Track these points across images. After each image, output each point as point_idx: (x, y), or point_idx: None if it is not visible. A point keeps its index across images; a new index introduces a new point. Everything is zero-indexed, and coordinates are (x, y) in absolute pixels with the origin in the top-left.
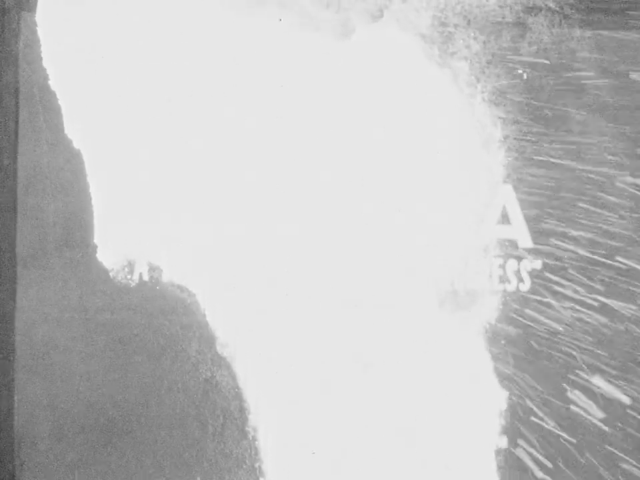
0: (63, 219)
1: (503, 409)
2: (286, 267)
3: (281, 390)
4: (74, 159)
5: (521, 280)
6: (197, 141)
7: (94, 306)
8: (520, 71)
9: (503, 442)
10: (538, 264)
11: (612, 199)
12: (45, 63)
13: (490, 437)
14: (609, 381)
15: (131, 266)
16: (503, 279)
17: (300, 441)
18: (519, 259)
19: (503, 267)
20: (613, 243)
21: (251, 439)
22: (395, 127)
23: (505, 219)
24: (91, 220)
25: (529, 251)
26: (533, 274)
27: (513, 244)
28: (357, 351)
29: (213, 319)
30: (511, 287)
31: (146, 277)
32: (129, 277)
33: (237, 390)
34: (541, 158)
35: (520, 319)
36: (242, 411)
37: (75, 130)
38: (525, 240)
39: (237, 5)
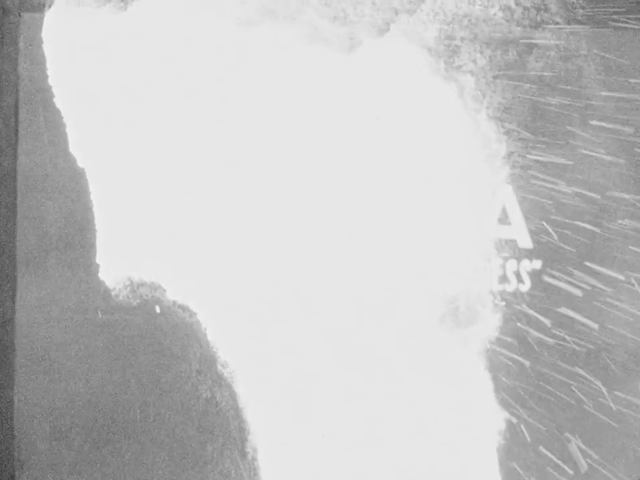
0: (63, 219)
1: (502, 429)
2: (288, 286)
3: (281, 409)
4: (75, 159)
5: (520, 280)
6: (204, 159)
7: (93, 306)
8: (526, 87)
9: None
10: (538, 264)
11: (616, 218)
12: (46, 63)
13: (489, 453)
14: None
15: (132, 284)
16: (503, 279)
17: (300, 460)
18: (519, 259)
19: (503, 267)
20: (615, 254)
21: (250, 459)
22: (400, 140)
23: (504, 219)
24: (91, 220)
25: (529, 251)
26: (533, 274)
27: (513, 244)
28: (359, 368)
29: (214, 338)
30: (510, 287)
31: (147, 296)
32: (130, 296)
33: (236, 410)
34: (545, 174)
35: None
36: (242, 431)
37: (75, 130)
38: (525, 240)
39: (243, 17)
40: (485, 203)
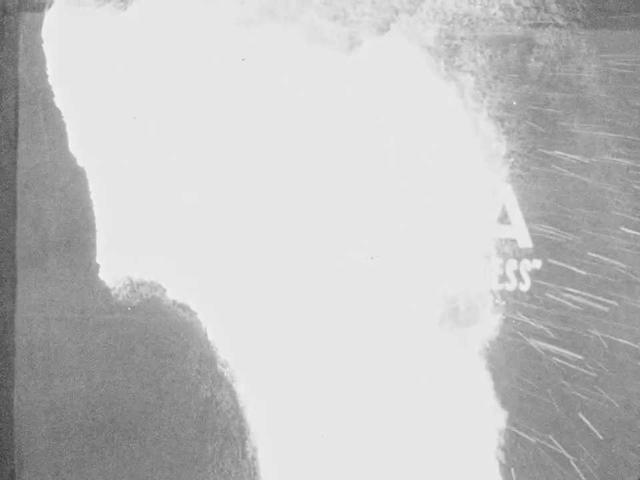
0: (63, 219)
1: (503, 428)
2: (288, 286)
3: (281, 409)
4: (74, 159)
5: (521, 280)
6: (204, 159)
7: (93, 306)
8: (526, 86)
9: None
10: (538, 264)
11: (616, 214)
12: (46, 63)
13: (489, 453)
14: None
15: (132, 284)
16: (503, 279)
17: (300, 460)
18: (519, 258)
19: (503, 266)
20: (616, 262)
21: (250, 459)
22: (400, 140)
23: (504, 218)
24: (91, 220)
25: (529, 250)
26: (533, 274)
27: (513, 243)
28: (359, 368)
29: (214, 338)
30: (510, 287)
31: (147, 296)
32: (130, 295)
33: (236, 410)
34: (546, 174)
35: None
36: (242, 431)
37: (75, 130)
38: (525, 240)
39: (243, 16)
40: (485, 202)
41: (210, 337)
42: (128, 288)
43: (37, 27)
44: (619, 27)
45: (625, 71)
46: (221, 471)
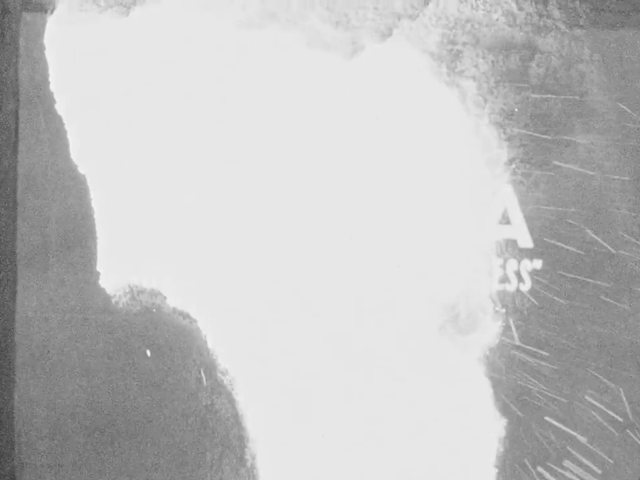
0: (63, 220)
1: (502, 429)
2: (288, 286)
3: (281, 410)
4: (76, 161)
5: (521, 280)
6: (204, 160)
7: (93, 307)
8: (528, 92)
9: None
10: (538, 264)
11: (616, 222)
12: (48, 69)
13: (488, 453)
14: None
15: (132, 292)
16: (503, 279)
17: (300, 461)
18: (520, 259)
19: (503, 267)
20: (610, 263)
21: (249, 466)
22: (402, 143)
23: (505, 219)
24: (92, 222)
25: (530, 250)
26: (533, 274)
27: (514, 244)
28: (359, 368)
29: (214, 345)
30: (511, 287)
31: (147, 303)
32: (130, 303)
33: (236, 417)
34: (546, 179)
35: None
36: (241, 438)
37: (76, 134)
38: (525, 240)
39: (246, 21)
40: (486, 203)
41: (210, 345)
42: (128, 296)
43: (38, 27)
44: (620, 33)
45: (625, 72)
46: (220, 478)
